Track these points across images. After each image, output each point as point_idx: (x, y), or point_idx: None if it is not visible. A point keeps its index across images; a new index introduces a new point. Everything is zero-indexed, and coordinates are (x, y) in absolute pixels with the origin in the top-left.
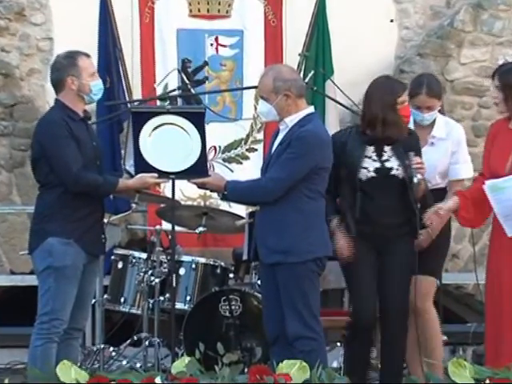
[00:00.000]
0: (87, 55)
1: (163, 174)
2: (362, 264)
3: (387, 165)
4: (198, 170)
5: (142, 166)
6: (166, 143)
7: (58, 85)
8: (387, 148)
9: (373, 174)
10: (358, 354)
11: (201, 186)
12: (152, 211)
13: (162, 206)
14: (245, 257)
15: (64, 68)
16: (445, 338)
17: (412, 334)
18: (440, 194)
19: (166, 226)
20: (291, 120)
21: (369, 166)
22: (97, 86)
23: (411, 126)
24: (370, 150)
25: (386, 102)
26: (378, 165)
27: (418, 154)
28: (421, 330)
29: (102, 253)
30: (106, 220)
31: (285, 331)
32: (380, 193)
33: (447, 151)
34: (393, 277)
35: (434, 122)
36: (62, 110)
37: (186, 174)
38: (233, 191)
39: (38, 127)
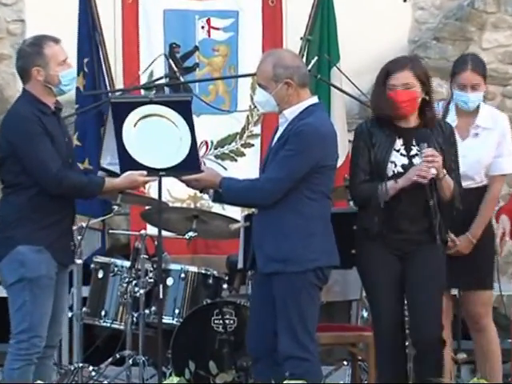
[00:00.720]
0: (56, 40)
1: (152, 171)
2: (382, 270)
3: (415, 161)
4: (189, 166)
5: (128, 162)
6: (152, 137)
7: (23, 75)
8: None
9: (400, 170)
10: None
11: (192, 185)
12: (136, 214)
13: (148, 207)
14: (240, 265)
15: (28, 57)
16: (464, 355)
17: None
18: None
19: (152, 230)
20: (291, 112)
21: (396, 161)
22: (68, 76)
23: (452, 115)
24: (399, 143)
25: (376, 83)
26: (405, 161)
27: (438, 147)
28: (480, 347)
29: (72, 262)
30: (84, 224)
31: (270, 349)
32: (406, 193)
33: (494, 143)
34: (417, 296)
35: (477, 110)
36: (32, 103)
37: (176, 171)
38: (228, 190)
39: (5, 123)
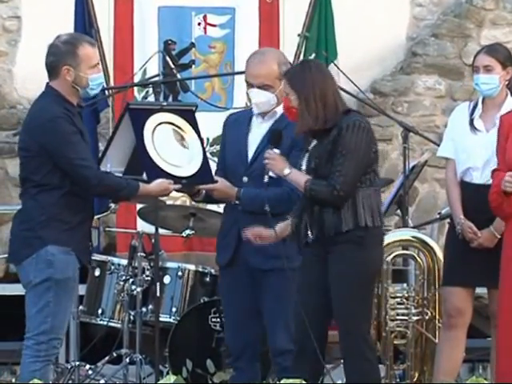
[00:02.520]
0: (92, 43)
1: (175, 179)
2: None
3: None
4: (204, 175)
5: (155, 170)
6: (167, 145)
7: (51, 71)
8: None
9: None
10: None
11: (207, 198)
12: (123, 210)
13: (144, 205)
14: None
15: (61, 55)
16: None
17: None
18: None
19: (149, 228)
20: (282, 108)
21: (302, 163)
22: (97, 80)
23: (479, 107)
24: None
25: None
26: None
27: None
28: None
29: (90, 262)
30: None
31: (251, 345)
32: None
33: None
34: (333, 293)
35: (504, 100)
36: (59, 102)
37: (194, 179)
38: (249, 200)
39: (34, 123)
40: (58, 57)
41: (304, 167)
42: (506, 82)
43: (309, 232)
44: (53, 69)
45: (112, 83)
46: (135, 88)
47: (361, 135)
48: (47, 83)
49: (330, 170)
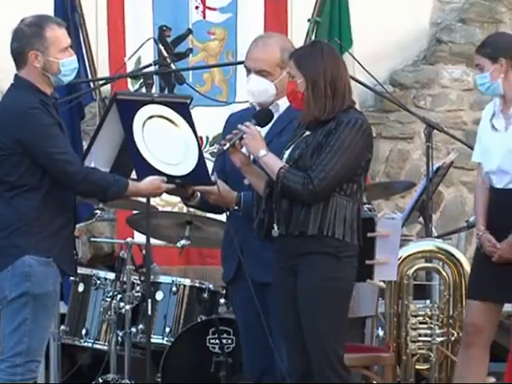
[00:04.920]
0: (59, 23)
1: (169, 178)
2: (277, 286)
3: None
4: (200, 175)
5: (145, 168)
6: (159, 140)
7: (18, 58)
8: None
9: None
10: None
11: (202, 203)
12: (122, 220)
13: (135, 212)
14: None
15: (26, 39)
16: (493, 380)
17: None
18: None
19: (140, 238)
20: (286, 100)
21: (285, 152)
22: (69, 65)
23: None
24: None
25: None
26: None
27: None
28: None
29: (75, 273)
30: None
31: (269, 365)
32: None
33: None
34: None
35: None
36: (33, 93)
37: (189, 179)
38: (250, 206)
39: (5, 116)
40: (23, 42)
41: (286, 156)
42: (503, 76)
43: (274, 225)
44: (19, 56)
45: (107, 73)
46: (128, 80)
47: (359, 136)
48: (15, 74)
49: (312, 163)
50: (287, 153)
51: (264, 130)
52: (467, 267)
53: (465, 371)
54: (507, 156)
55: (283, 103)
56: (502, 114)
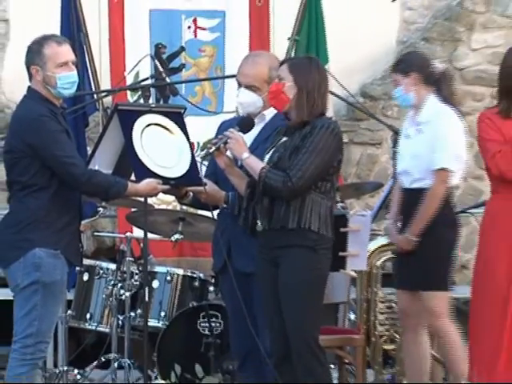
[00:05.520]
0: (59, 41)
1: (164, 180)
2: (260, 276)
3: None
4: (192, 177)
5: (143, 171)
6: (156, 146)
7: (28, 72)
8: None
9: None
10: None
11: (195, 201)
12: (123, 216)
13: (133, 210)
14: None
15: (30, 55)
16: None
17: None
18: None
19: (138, 232)
20: (271, 111)
21: (266, 155)
22: (66, 79)
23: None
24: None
25: None
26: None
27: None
28: (441, 351)
29: (81, 264)
30: None
31: (254, 348)
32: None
33: (430, 138)
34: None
35: (419, 105)
36: (42, 103)
37: (182, 181)
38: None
39: (19, 123)
40: (28, 57)
41: (266, 159)
42: (414, 88)
43: (258, 222)
44: (27, 69)
45: (109, 86)
46: (128, 91)
47: (332, 139)
48: (28, 86)
49: (290, 163)
50: (267, 156)
51: (251, 137)
52: None
53: (406, 352)
54: (412, 159)
55: (268, 114)
56: (413, 122)
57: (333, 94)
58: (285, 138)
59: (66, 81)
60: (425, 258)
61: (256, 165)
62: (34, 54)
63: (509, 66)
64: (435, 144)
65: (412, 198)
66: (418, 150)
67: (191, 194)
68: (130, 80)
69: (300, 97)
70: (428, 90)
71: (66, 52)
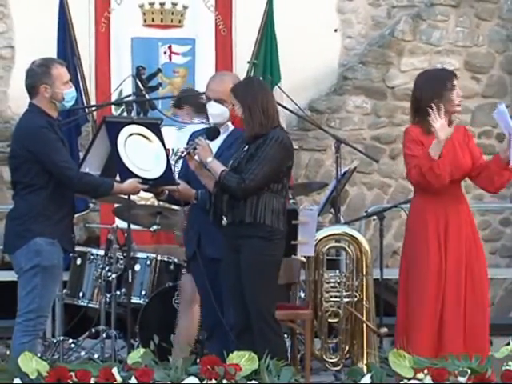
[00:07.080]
0: (61, 63)
1: (143, 180)
2: (225, 262)
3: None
4: (167, 178)
5: (126, 172)
6: (137, 152)
7: (31, 91)
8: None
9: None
10: None
11: (169, 198)
12: (105, 210)
13: (118, 205)
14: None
15: (37, 76)
16: (386, 330)
17: None
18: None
19: (122, 224)
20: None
21: (230, 162)
22: (70, 94)
23: None
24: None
25: None
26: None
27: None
28: None
29: (73, 250)
30: None
31: (220, 324)
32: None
33: None
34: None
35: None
36: (41, 116)
37: (159, 181)
38: (205, 201)
39: (22, 133)
40: (36, 78)
41: (229, 164)
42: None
43: (223, 217)
44: (32, 89)
45: (94, 102)
46: (112, 106)
47: (280, 150)
48: (29, 102)
49: (245, 168)
50: (231, 162)
51: (217, 145)
52: (366, 246)
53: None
54: None
55: (231, 125)
56: None
57: (285, 108)
58: (246, 147)
59: (70, 96)
60: None
61: (217, 168)
62: (43, 74)
63: (417, 88)
64: None
65: None
66: None
67: (167, 192)
68: (114, 96)
69: (245, 113)
70: None
71: (66, 72)
